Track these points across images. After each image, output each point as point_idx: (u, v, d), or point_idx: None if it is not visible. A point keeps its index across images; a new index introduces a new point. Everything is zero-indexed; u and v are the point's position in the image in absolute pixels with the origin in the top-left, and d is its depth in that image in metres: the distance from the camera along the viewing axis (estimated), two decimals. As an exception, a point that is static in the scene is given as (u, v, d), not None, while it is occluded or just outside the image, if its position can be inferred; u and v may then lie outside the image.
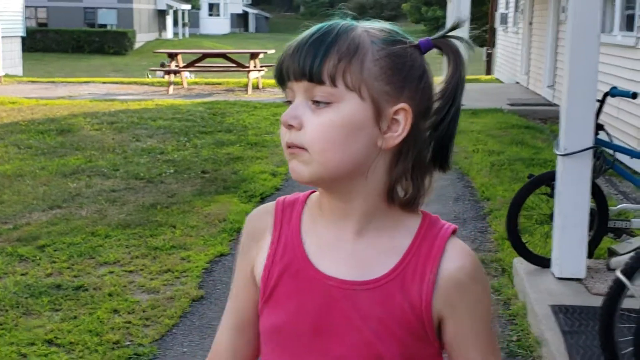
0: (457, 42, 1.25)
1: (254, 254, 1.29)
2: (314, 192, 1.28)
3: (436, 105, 1.23)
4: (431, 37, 1.24)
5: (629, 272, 2.92)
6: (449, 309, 1.20)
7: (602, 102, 4.62)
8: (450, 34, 1.24)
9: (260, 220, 1.30)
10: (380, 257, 1.21)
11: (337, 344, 1.20)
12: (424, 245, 1.21)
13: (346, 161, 1.16)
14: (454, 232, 1.23)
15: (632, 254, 3.05)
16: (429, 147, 1.23)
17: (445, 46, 1.24)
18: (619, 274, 2.92)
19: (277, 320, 1.23)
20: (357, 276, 1.20)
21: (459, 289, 1.20)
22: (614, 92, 4.59)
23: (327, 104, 1.15)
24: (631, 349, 2.86)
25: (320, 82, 1.15)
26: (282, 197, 1.31)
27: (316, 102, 1.16)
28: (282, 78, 1.20)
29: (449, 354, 1.25)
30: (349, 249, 1.21)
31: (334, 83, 1.15)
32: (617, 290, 2.95)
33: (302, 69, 1.16)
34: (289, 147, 1.17)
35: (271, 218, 1.28)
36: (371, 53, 1.17)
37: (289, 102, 1.19)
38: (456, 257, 1.20)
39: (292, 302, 1.22)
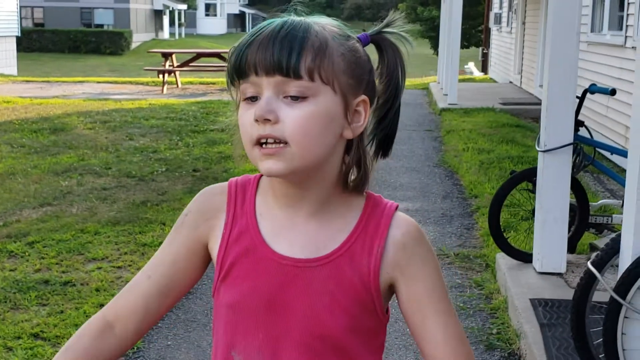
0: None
1: (205, 231, 1.34)
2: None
3: (381, 98, 1.31)
4: (368, 33, 1.30)
5: (600, 263, 2.98)
6: (398, 271, 1.28)
7: (582, 99, 4.68)
8: (387, 29, 1.30)
9: (213, 199, 1.35)
10: (331, 236, 1.28)
11: (286, 320, 1.26)
12: (371, 221, 1.29)
13: (321, 152, 1.22)
14: (396, 208, 1.31)
15: (603, 245, 3.12)
16: (373, 136, 1.31)
17: (383, 41, 1.31)
18: (589, 265, 2.98)
19: (233, 298, 1.29)
20: (309, 254, 1.27)
21: (405, 251, 1.28)
22: (593, 89, 4.64)
23: (304, 98, 1.19)
24: (601, 339, 2.92)
25: (298, 77, 1.19)
26: (234, 179, 1.36)
27: (291, 97, 1.19)
28: (243, 73, 1.21)
29: (407, 319, 1.31)
30: (302, 231, 1.28)
31: (311, 78, 1.19)
32: (588, 282, 3.01)
33: (277, 64, 1.18)
34: (260, 140, 1.20)
35: (224, 199, 1.34)
36: (335, 48, 1.23)
37: (252, 99, 1.21)
38: (401, 226, 1.29)
39: (248, 281, 1.28)
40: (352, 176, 1.29)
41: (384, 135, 1.31)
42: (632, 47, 8.58)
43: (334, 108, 1.22)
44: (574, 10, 4.30)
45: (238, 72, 1.22)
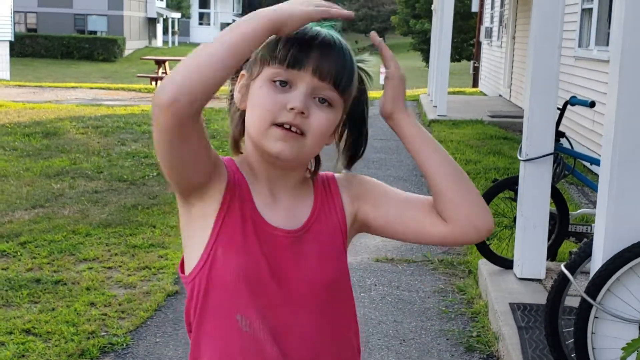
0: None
1: (216, 169, 1.41)
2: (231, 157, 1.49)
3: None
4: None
5: (573, 266, 3.11)
6: (356, 200, 1.52)
7: (562, 110, 4.82)
8: (360, 65, 1.50)
9: (220, 162, 1.44)
10: (303, 204, 1.49)
11: (287, 282, 1.43)
12: (323, 186, 1.52)
13: (319, 150, 1.45)
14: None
15: (576, 249, 3.24)
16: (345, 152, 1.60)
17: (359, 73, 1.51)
18: (562, 268, 3.11)
19: (239, 266, 1.40)
20: (294, 225, 1.46)
21: (352, 184, 1.53)
22: (573, 101, 4.79)
23: (329, 104, 1.40)
24: (572, 340, 3.04)
25: (338, 91, 1.40)
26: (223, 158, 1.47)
27: (321, 99, 1.39)
28: (296, 65, 1.37)
29: (388, 211, 1.51)
30: (284, 205, 1.46)
31: (343, 94, 1.41)
32: (561, 284, 3.14)
33: (335, 76, 1.38)
34: (287, 127, 1.36)
35: (225, 168, 1.44)
36: (356, 75, 1.46)
37: (282, 83, 1.37)
38: (342, 176, 1.55)
39: (255, 246, 1.41)
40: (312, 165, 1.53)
41: (352, 154, 1.54)
42: (617, 63, 8.74)
43: (339, 119, 1.45)
44: (556, 24, 4.45)
45: (291, 62, 1.37)
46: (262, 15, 1.31)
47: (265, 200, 1.45)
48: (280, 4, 1.35)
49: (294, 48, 1.37)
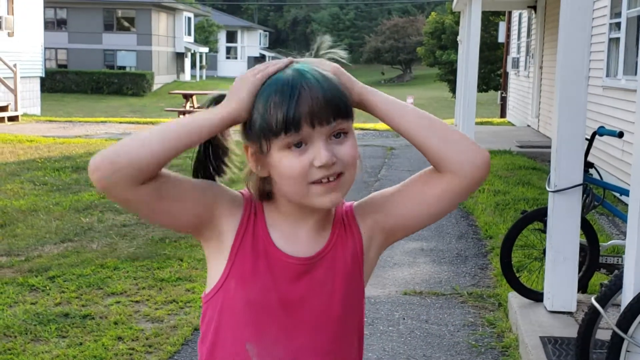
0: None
1: (225, 210, 1.47)
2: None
3: None
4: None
5: (603, 299, 3.06)
6: (370, 215, 1.52)
7: (591, 141, 4.78)
8: (323, 53, 1.50)
9: (236, 195, 1.51)
10: (322, 235, 1.50)
11: (297, 311, 1.45)
12: (341, 215, 1.53)
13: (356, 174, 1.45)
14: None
15: (607, 281, 3.19)
16: None
17: None
18: (593, 301, 3.06)
19: (251, 295, 1.44)
20: (309, 253, 1.48)
21: (365, 206, 1.54)
22: (601, 132, 4.74)
23: (345, 133, 1.40)
24: (606, 373, 2.99)
25: (347, 117, 1.40)
26: (244, 192, 1.52)
27: (337, 135, 1.39)
28: (296, 127, 1.36)
29: (405, 214, 1.52)
30: (305, 236, 1.48)
31: (351, 116, 1.41)
32: (592, 317, 3.08)
33: (335, 111, 1.37)
34: (329, 178, 1.38)
35: (242, 200, 1.50)
36: (343, 90, 1.44)
37: (298, 144, 1.37)
38: (358, 202, 1.56)
39: (265, 279, 1.45)
40: None
41: None
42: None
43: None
44: (583, 54, 4.42)
45: (290, 126, 1.36)
46: (217, 113, 1.40)
47: (284, 233, 1.48)
48: (225, 98, 1.44)
49: (289, 114, 1.35)
